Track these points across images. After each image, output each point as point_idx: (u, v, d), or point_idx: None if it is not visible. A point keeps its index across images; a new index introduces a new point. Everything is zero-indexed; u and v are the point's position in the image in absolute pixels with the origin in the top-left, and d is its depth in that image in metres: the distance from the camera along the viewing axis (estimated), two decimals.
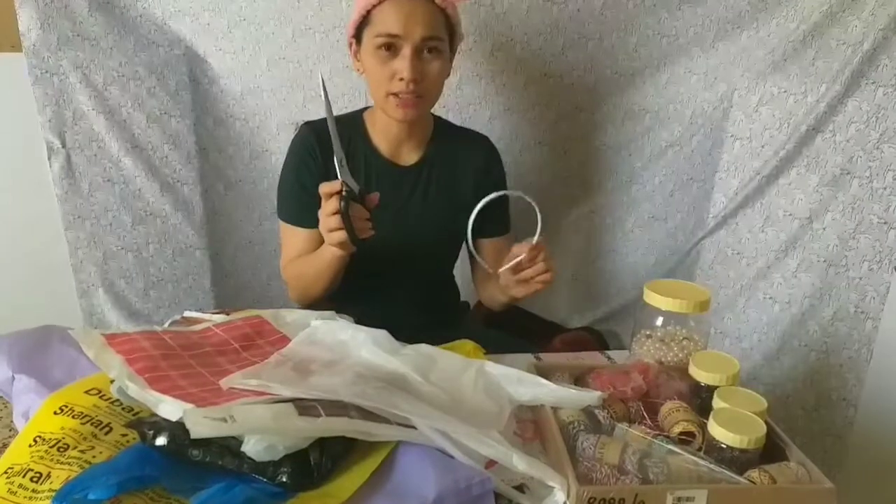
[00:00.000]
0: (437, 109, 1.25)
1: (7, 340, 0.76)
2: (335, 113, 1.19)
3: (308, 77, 1.32)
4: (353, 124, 1.12)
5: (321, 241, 1.04)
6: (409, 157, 1.12)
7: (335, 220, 0.87)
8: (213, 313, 0.98)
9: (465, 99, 1.36)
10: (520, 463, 0.63)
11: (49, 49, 1.20)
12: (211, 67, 1.32)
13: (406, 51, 0.98)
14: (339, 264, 0.99)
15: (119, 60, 1.25)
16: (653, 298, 0.81)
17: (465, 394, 0.75)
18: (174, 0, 1.25)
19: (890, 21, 1.13)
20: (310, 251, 1.07)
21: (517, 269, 0.95)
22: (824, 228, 1.27)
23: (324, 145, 1.07)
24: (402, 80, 0.98)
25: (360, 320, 0.88)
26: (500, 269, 0.96)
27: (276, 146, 1.37)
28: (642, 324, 0.85)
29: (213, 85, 1.33)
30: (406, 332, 0.84)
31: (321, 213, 0.90)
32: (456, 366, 0.80)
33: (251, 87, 1.33)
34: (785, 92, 1.25)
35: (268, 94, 1.33)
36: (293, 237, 1.10)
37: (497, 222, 1.19)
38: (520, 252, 0.93)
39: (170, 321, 0.98)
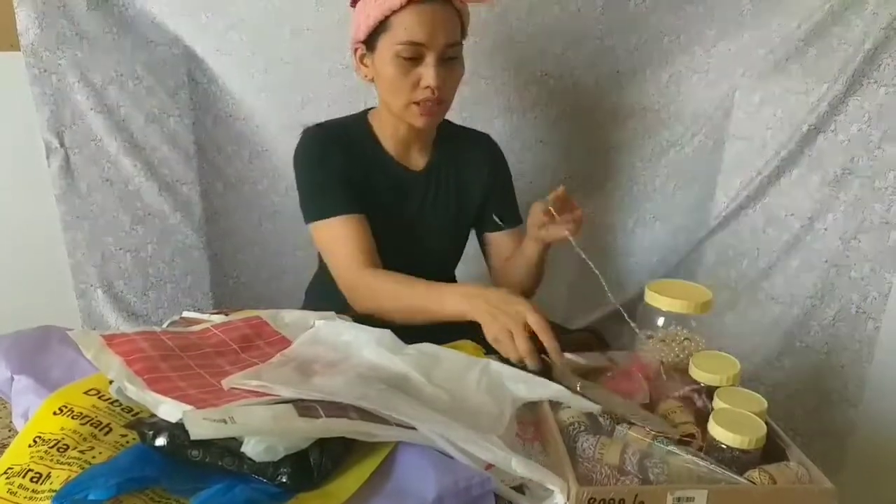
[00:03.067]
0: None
1: (6, 341, 0.76)
2: (336, 116, 1.18)
3: (306, 78, 1.31)
4: (358, 126, 1.10)
5: (368, 228, 1.01)
6: (417, 159, 1.11)
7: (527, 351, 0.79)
8: (212, 314, 0.98)
9: (465, 99, 1.35)
10: (519, 467, 0.63)
11: (47, 48, 1.20)
12: (209, 67, 1.31)
13: (430, 59, 0.95)
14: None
15: (117, 59, 1.24)
16: (654, 299, 0.81)
17: (467, 394, 0.75)
18: (171, 0, 1.24)
19: (892, 20, 1.12)
20: (366, 238, 1.00)
21: (548, 213, 0.97)
22: (826, 228, 1.27)
23: (340, 146, 1.05)
24: (426, 87, 0.96)
25: (362, 321, 0.87)
26: (534, 204, 0.98)
27: (276, 146, 1.37)
28: (643, 324, 0.85)
29: (212, 84, 1.33)
30: (407, 333, 0.84)
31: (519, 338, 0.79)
32: (460, 365, 0.80)
33: (249, 89, 1.32)
34: (786, 91, 1.25)
35: (266, 95, 1.33)
36: (336, 231, 1.00)
37: (513, 212, 1.18)
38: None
39: (168, 321, 0.98)
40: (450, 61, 0.99)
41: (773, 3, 1.23)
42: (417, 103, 0.98)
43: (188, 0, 1.24)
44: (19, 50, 1.19)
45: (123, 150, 1.29)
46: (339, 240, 1.01)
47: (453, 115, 1.32)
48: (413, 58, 0.95)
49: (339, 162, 1.04)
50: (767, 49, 1.26)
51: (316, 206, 1.03)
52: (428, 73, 0.96)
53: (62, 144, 1.26)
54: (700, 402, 0.75)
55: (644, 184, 1.45)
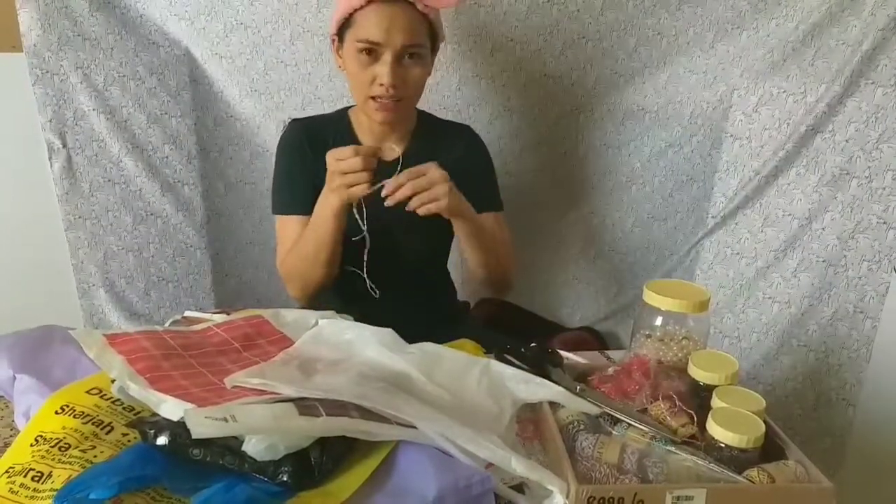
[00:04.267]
0: (438, 111, 1.25)
1: (8, 340, 0.77)
2: (329, 111, 1.20)
3: (306, 80, 1.32)
4: (338, 122, 1.14)
5: None
6: (392, 152, 1.12)
7: (364, 176, 0.90)
8: (214, 313, 0.98)
9: (465, 100, 1.36)
10: (519, 466, 0.63)
11: (50, 49, 1.20)
12: (210, 69, 1.32)
13: (387, 57, 0.98)
14: (340, 223, 0.98)
15: (120, 60, 1.25)
16: (652, 298, 0.81)
17: (468, 394, 0.75)
18: (171, 4, 1.25)
19: (889, 21, 1.13)
20: None
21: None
22: (823, 228, 1.27)
23: (312, 140, 1.09)
24: (381, 85, 0.99)
25: (360, 320, 0.88)
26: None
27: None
28: (642, 323, 0.85)
29: (214, 85, 1.34)
30: (405, 332, 0.85)
31: (339, 167, 0.91)
32: (461, 364, 0.80)
33: (249, 91, 1.33)
34: (784, 92, 1.25)
35: (266, 97, 1.33)
36: (289, 228, 1.10)
37: (483, 198, 1.15)
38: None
39: (170, 321, 0.98)
40: (410, 61, 1.01)
41: (771, 5, 1.23)
42: (374, 99, 1.01)
43: (189, 2, 1.25)
44: (22, 51, 1.19)
45: (125, 151, 1.29)
46: (284, 236, 1.10)
47: (453, 116, 1.33)
48: (371, 55, 0.99)
49: (310, 160, 1.08)
50: (765, 50, 1.26)
51: (276, 201, 1.13)
52: (383, 71, 0.99)
53: (64, 145, 1.26)
54: (698, 401, 0.76)
55: (643, 184, 1.46)
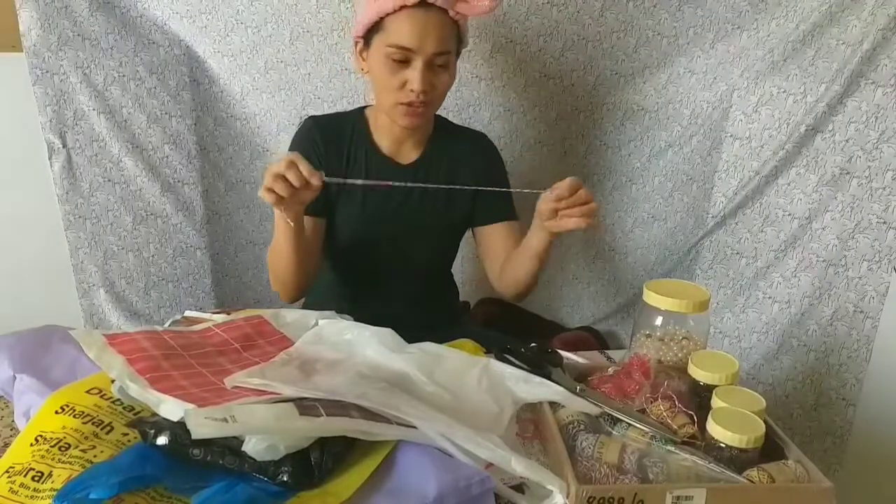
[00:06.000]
0: (438, 110, 1.25)
1: (8, 340, 0.77)
2: (329, 111, 1.20)
3: (306, 79, 1.32)
4: (354, 122, 1.13)
5: (314, 227, 1.05)
6: (409, 155, 1.12)
7: (280, 186, 0.84)
8: (214, 313, 0.98)
9: (464, 100, 1.36)
10: (518, 466, 0.63)
11: (49, 49, 1.20)
12: (210, 68, 1.32)
13: (417, 63, 0.97)
14: (290, 231, 0.94)
15: (119, 60, 1.25)
16: (652, 298, 0.81)
17: (468, 394, 0.75)
18: (172, 2, 1.25)
19: (889, 21, 1.13)
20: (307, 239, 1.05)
21: (557, 201, 0.89)
22: (823, 228, 1.27)
23: (326, 139, 1.08)
24: (412, 91, 0.98)
25: (361, 320, 0.88)
26: (544, 194, 0.89)
27: (277, 146, 1.38)
28: (642, 323, 0.85)
29: (214, 85, 1.34)
30: (406, 331, 0.85)
31: (274, 170, 0.85)
32: (461, 364, 0.81)
33: (250, 89, 1.33)
34: (784, 92, 1.25)
35: (267, 96, 1.34)
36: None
37: (500, 207, 1.15)
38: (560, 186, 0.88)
39: (170, 321, 0.98)
40: (439, 67, 1.00)
41: (771, 5, 1.23)
42: (403, 104, 1.00)
43: (189, 2, 1.25)
44: (22, 51, 1.20)
45: (125, 151, 1.29)
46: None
47: (453, 116, 1.33)
48: (402, 60, 0.98)
49: (320, 157, 1.07)
50: (765, 50, 1.26)
51: None
52: (414, 76, 0.98)
53: (65, 145, 1.26)
54: (699, 401, 0.76)
55: (642, 184, 1.46)
